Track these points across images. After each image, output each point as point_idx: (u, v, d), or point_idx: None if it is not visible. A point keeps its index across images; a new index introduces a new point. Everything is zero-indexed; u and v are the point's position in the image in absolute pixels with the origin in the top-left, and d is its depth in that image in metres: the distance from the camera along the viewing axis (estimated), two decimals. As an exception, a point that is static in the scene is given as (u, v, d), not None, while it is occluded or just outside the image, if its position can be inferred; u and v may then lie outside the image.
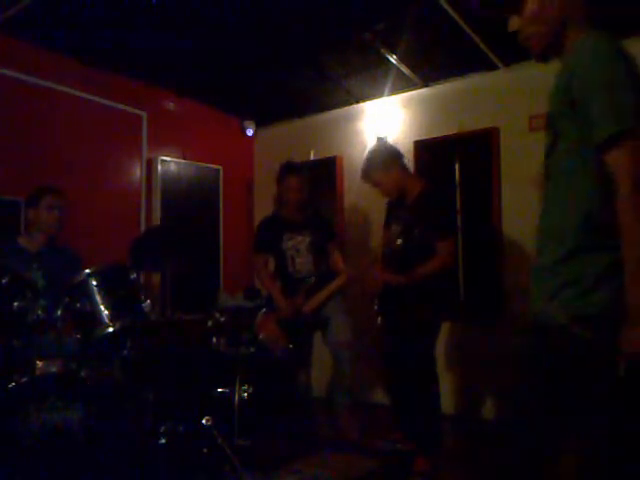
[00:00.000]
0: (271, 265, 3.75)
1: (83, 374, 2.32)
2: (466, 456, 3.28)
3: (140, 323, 2.54)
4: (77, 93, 3.99)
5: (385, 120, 4.64)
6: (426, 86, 4.44)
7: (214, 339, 3.05)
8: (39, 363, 2.25)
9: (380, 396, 4.46)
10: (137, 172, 4.44)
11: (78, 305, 2.39)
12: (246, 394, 2.86)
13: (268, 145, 5.45)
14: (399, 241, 2.95)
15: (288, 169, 3.55)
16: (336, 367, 3.54)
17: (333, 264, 3.59)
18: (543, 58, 1.59)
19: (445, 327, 4.15)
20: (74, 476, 2.11)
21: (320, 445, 3.32)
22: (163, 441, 2.51)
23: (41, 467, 2.05)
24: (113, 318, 2.39)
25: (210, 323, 3.05)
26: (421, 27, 3.57)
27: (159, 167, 4.50)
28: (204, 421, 2.60)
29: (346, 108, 4.89)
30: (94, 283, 2.41)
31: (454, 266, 3.00)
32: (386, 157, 3.09)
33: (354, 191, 4.75)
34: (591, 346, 1.24)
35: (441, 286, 3.02)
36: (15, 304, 2.16)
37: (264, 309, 3.36)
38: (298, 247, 3.54)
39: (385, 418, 3.77)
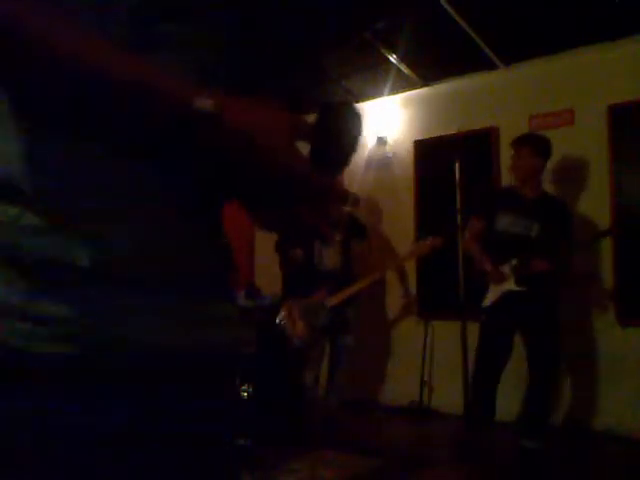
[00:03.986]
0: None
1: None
2: (471, 457, 3.27)
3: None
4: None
5: (385, 120, 4.64)
6: (426, 86, 4.44)
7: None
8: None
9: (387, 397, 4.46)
10: (137, 172, 4.44)
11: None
12: (246, 394, 2.86)
13: (268, 145, 5.44)
14: (535, 229, 3.11)
15: None
16: (335, 369, 3.63)
17: (362, 264, 3.69)
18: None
19: (448, 327, 4.16)
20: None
21: (320, 445, 3.32)
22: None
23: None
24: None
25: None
26: (421, 27, 3.56)
27: (159, 167, 4.49)
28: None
29: (346, 108, 4.89)
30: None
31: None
32: (544, 145, 3.24)
33: (354, 190, 4.74)
34: None
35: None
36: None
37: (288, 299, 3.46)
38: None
39: (385, 418, 3.77)
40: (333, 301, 3.51)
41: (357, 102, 4.81)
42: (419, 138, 4.45)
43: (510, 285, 3.11)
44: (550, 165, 3.86)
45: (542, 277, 3.10)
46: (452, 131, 4.23)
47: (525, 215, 3.14)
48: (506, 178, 4.06)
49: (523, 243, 3.11)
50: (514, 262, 3.11)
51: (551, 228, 3.14)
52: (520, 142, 3.29)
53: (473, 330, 4.11)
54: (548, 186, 3.85)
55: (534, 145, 3.24)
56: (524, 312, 3.11)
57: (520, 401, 3.22)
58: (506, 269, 3.14)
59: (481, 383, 3.24)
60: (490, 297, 3.23)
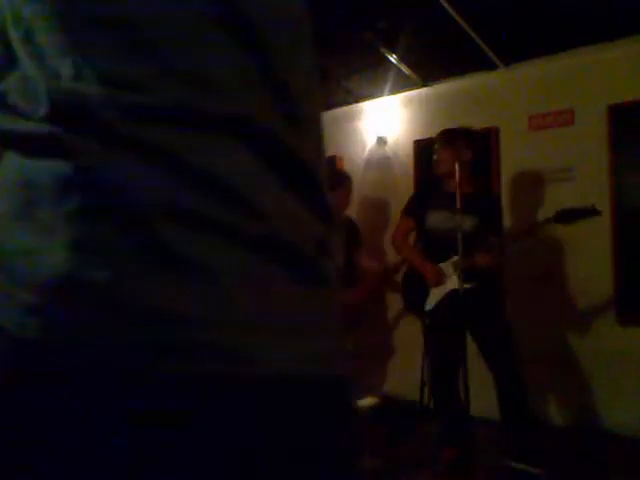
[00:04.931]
0: None
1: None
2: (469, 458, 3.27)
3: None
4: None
5: (385, 120, 4.64)
6: (426, 86, 4.44)
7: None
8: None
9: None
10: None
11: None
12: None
13: (268, 145, 5.45)
14: (469, 223, 2.94)
15: None
16: None
17: (358, 267, 3.69)
18: None
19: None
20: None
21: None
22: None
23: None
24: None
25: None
26: (421, 27, 3.57)
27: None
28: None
29: (346, 108, 4.89)
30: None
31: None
32: (473, 138, 3.18)
33: (353, 190, 4.74)
34: None
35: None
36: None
37: None
38: None
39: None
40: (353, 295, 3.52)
41: (357, 102, 4.82)
42: (419, 138, 4.45)
43: (453, 284, 2.93)
44: (550, 165, 3.87)
45: (486, 272, 2.96)
46: (452, 131, 4.24)
47: (456, 210, 2.90)
48: (506, 178, 4.06)
49: (458, 239, 2.87)
50: (455, 258, 2.90)
51: (484, 223, 3.01)
52: (448, 135, 3.18)
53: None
54: (548, 186, 3.86)
55: (463, 138, 3.13)
56: (473, 311, 2.91)
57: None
58: (448, 267, 3.00)
59: (442, 387, 3.11)
60: (432, 299, 3.05)
